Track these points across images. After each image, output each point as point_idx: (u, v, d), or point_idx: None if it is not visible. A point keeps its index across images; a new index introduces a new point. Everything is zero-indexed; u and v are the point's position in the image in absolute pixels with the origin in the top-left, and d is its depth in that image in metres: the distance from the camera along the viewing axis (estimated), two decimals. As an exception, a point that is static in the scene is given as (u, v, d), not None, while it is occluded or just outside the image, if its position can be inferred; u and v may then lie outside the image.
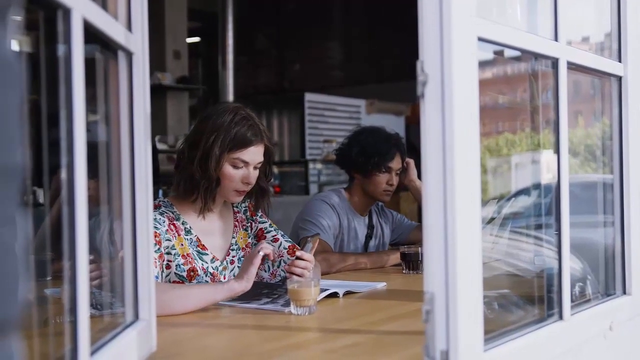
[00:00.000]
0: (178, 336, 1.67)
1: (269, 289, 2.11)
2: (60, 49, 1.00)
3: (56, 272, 1.34)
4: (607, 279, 1.83)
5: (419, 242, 2.94)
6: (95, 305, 1.30)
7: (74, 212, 0.99)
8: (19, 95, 0.59)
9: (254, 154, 2.16)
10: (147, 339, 1.38)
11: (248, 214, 2.36)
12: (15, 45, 0.60)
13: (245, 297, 2.03)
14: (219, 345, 1.61)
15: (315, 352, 1.51)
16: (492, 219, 2.17)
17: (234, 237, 2.29)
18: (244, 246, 2.31)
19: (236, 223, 2.32)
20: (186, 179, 2.15)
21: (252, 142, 2.14)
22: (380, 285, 2.31)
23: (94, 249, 1.13)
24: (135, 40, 1.34)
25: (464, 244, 1.15)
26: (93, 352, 1.08)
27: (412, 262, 2.61)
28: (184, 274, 2.11)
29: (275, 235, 2.34)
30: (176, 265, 2.10)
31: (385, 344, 1.55)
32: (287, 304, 1.88)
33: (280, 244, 2.31)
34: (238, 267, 2.26)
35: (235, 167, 2.14)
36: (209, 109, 2.23)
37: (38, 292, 1.52)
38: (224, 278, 2.21)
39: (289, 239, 2.36)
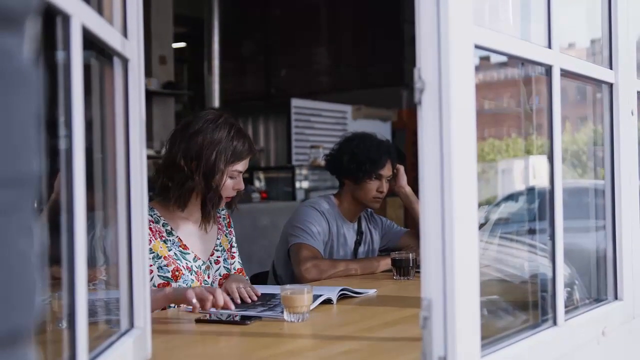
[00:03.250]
0: (172, 344, 1.66)
1: (263, 300, 2.10)
2: (59, 55, 0.99)
3: (49, 278, 1.33)
4: (598, 284, 1.85)
5: (408, 248, 2.94)
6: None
7: (72, 219, 0.98)
8: (36, 104, 0.59)
9: (247, 163, 2.29)
10: (143, 347, 1.37)
11: (226, 222, 2.46)
12: (32, 53, 0.60)
13: (241, 305, 2.02)
14: (213, 352, 1.60)
15: (313, 359, 1.51)
16: (482, 224, 2.18)
17: (218, 239, 2.38)
18: (227, 248, 2.41)
19: (220, 226, 2.41)
20: (186, 192, 2.21)
21: (249, 154, 2.27)
22: (372, 292, 2.31)
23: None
24: (131, 46, 1.34)
25: (462, 250, 1.15)
26: (90, 361, 1.07)
27: (403, 268, 2.61)
28: (169, 274, 2.17)
29: (235, 253, 2.46)
30: (158, 268, 2.16)
31: (381, 351, 1.55)
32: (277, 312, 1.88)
33: (233, 264, 2.42)
34: (224, 267, 2.36)
35: (231, 177, 2.25)
36: (197, 121, 2.24)
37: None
38: (208, 277, 2.30)
39: (241, 262, 2.46)
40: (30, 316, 0.57)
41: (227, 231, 2.44)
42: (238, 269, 2.42)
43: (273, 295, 2.14)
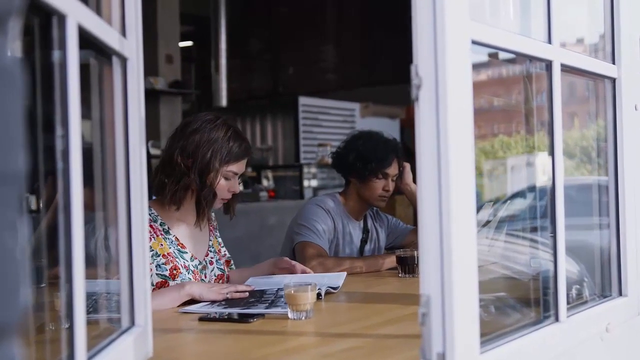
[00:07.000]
0: (174, 342, 1.66)
1: (255, 297, 2.09)
2: (55, 55, 1.00)
3: (52, 278, 1.34)
4: (602, 280, 1.84)
5: (414, 245, 2.94)
6: (89, 310, 1.29)
7: (70, 219, 0.99)
8: (20, 101, 0.60)
9: (243, 166, 2.32)
10: (144, 345, 1.37)
11: (215, 224, 2.50)
12: (15, 52, 0.61)
13: (236, 304, 2.00)
14: (215, 350, 1.60)
15: (313, 356, 1.51)
16: (488, 221, 2.17)
17: (210, 240, 2.42)
18: (217, 250, 2.44)
19: (211, 228, 2.46)
20: (181, 189, 2.24)
21: (245, 156, 2.30)
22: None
23: (88, 255, 1.13)
24: (130, 45, 1.34)
25: (460, 247, 1.15)
26: (89, 358, 1.08)
27: (408, 266, 2.61)
28: (167, 272, 2.20)
29: (222, 247, 2.50)
30: (157, 266, 2.19)
31: (382, 348, 1.55)
32: (286, 306, 1.87)
33: (224, 257, 2.46)
34: (217, 267, 2.40)
35: (226, 178, 2.28)
36: (195, 120, 2.29)
37: (34, 299, 1.51)
38: (205, 277, 2.33)
39: (222, 268, 2.45)
40: (16, 312, 0.57)
41: (216, 233, 2.49)
42: (226, 260, 2.47)
43: (262, 292, 2.15)
